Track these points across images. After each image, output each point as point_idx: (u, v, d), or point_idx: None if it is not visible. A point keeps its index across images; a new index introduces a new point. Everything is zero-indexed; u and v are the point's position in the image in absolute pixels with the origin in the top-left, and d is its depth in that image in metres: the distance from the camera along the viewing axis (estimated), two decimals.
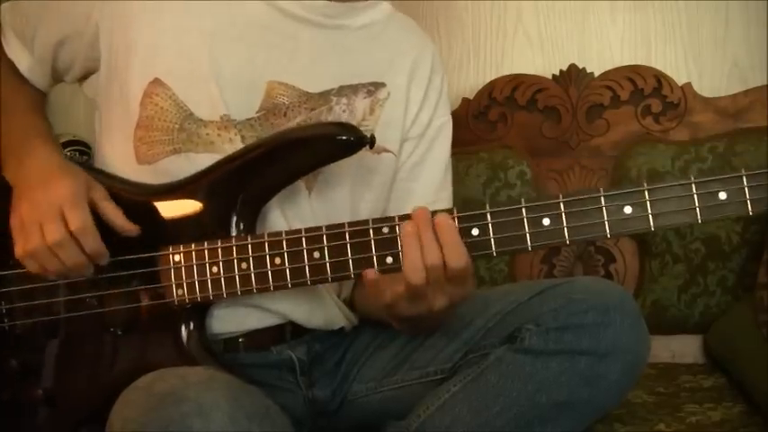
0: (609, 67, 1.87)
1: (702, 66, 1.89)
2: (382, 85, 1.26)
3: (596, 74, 1.87)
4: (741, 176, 0.99)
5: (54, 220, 1.10)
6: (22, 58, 1.27)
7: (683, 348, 1.80)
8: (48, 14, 1.25)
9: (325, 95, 1.23)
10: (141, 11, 1.19)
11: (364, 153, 1.19)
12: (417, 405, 1.16)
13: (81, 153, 1.75)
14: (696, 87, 1.85)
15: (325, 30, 1.24)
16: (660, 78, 1.84)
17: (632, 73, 1.86)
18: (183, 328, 1.15)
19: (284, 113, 1.21)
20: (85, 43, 1.22)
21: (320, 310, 1.24)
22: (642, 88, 1.85)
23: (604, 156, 1.85)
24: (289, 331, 1.23)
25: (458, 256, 1.03)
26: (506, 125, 1.90)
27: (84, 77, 1.28)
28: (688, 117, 1.83)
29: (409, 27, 1.37)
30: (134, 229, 1.15)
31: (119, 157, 1.22)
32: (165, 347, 1.15)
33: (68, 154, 1.72)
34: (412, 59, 1.31)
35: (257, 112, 1.20)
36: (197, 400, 0.91)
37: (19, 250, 1.13)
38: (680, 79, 1.85)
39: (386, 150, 1.26)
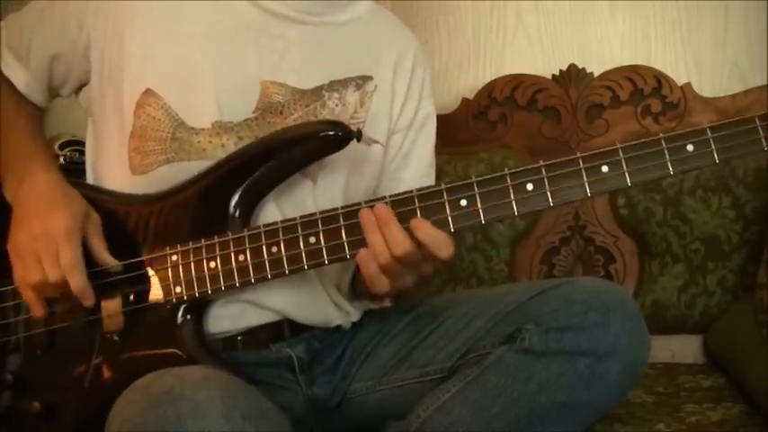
0: (609, 67, 1.88)
1: (702, 66, 1.90)
2: (369, 78, 1.28)
3: (596, 74, 1.87)
4: (705, 129, 1.04)
5: (52, 258, 1.11)
6: (18, 75, 1.26)
7: (683, 348, 1.80)
8: (41, 29, 1.24)
9: (317, 91, 1.24)
10: (132, 20, 1.19)
11: (356, 145, 1.20)
12: (417, 405, 1.16)
13: (81, 153, 1.75)
14: (696, 87, 1.85)
15: (312, 27, 1.25)
16: (660, 78, 1.85)
17: (632, 73, 1.86)
18: (181, 328, 1.15)
19: (280, 111, 1.22)
20: (79, 54, 1.23)
21: (316, 307, 1.24)
22: (642, 88, 1.85)
23: None
24: (287, 329, 1.23)
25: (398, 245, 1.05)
26: (506, 125, 1.90)
27: (79, 89, 1.28)
28: (688, 117, 1.84)
29: (391, 22, 1.39)
30: (116, 266, 1.16)
31: (113, 167, 1.23)
32: (164, 349, 1.15)
33: (68, 154, 1.72)
34: (396, 53, 1.33)
35: (254, 112, 1.21)
36: (193, 398, 0.91)
37: (19, 280, 1.14)
38: (680, 79, 1.86)
39: (375, 141, 1.28)
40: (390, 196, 1.09)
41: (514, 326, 1.13)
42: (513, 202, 1.07)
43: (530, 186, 1.06)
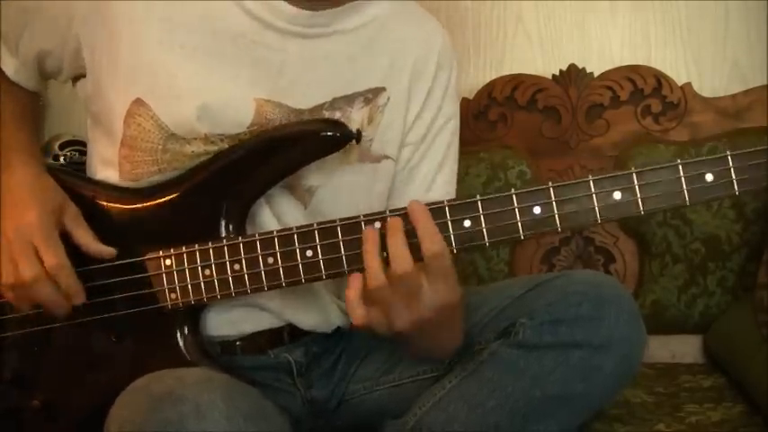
0: (609, 67, 1.87)
1: (702, 66, 1.89)
2: (382, 89, 1.21)
3: (596, 74, 1.87)
4: (726, 157, 0.98)
5: (28, 257, 1.09)
6: (7, 63, 1.24)
7: (683, 348, 1.80)
8: (30, 26, 1.20)
9: (316, 111, 1.17)
10: (123, 27, 1.14)
11: (363, 165, 1.18)
12: (414, 402, 1.16)
13: (81, 153, 1.75)
14: (696, 87, 1.85)
15: (315, 40, 1.17)
16: (660, 78, 1.84)
17: (632, 73, 1.85)
18: (178, 331, 1.14)
19: None
20: (69, 53, 1.19)
21: (318, 309, 1.24)
22: (642, 88, 1.85)
23: (604, 156, 1.85)
24: (287, 334, 1.23)
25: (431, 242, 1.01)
26: (506, 125, 1.90)
27: (76, 79, 1.24)
28: (688, 117, 1.83)
29: (414, 19, 1.29)
30: (111, 252, 1.14)
31: (103, 170, 1.20)
32: (162, 351, 1.14)
33: (68, 154, 1.71)
34: (414, 57, 1.24)
35: (249, 128, 1.15)
36: (194, 400, 0.91)
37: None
38: (680, 79, 1.85)
39: (386, 157, 1.23)
40: (391, 211, 1.06)
41: (509, 320, 1.12)
42: (519, 225, 1.03)
43: (537, 210, 1.03)
